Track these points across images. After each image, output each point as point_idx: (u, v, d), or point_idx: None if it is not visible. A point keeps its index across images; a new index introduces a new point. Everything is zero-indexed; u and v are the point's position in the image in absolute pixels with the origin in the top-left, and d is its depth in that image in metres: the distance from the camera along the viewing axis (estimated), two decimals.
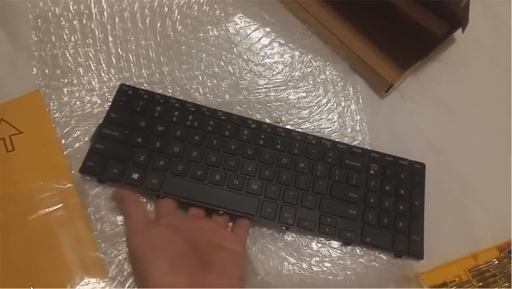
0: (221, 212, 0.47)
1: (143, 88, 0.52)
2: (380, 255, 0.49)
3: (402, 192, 0.52)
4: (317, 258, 0.49)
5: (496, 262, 0.49)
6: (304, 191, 0.50)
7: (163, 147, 0.49)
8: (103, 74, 0.53)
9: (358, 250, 0.49)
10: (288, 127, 0.54)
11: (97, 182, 0.48)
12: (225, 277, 0.42)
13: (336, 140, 0.54)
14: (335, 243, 0.49)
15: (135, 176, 0.47)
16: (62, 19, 0.55)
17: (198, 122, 0.51)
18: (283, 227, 0.48)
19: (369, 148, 0.54)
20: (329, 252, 0.49)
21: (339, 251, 0.49)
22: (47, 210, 0.46)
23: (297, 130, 0.53)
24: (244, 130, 0.52)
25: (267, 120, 0.54)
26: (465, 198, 0.53)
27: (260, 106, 0.55)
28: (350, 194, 0.50)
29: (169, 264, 0.40)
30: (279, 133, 0.52)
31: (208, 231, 0.45)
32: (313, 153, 0.52)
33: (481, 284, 0.48)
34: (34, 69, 0.52)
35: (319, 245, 0.49)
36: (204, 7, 0.58)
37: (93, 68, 0.53)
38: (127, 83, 0.52)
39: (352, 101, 0.57)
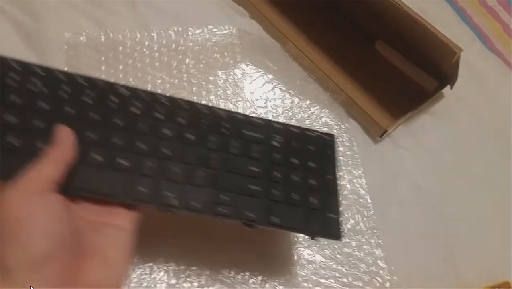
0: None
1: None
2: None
3: (312, 166, 0.45)
4: None
5: None
6: (192, 165, 0.41)
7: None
8: None
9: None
10: None
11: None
12: (106, 263, 0.35)
13: (233, 110, 0.47)
14: None
15: None
16: (90, 50, 0.60)
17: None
18: (167, 211, 0.39)
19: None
20: None
21: None
22: None
23: (185, 99, 0.45)
24: (131, 103, 0.42)
25: None
26: (450, 238, 0.56)
27: None
28: (250, 168, 0.43)
29: (39, 255, 0.31)
30: (160, 101, 0.43)
31: (93, 209, 0.37)
32: (204, 124, 0.44)
33: None
34: None
35: None
36: (215, 54, 0.64)
37: None
38: None
39: (347, 146, 0.61)
